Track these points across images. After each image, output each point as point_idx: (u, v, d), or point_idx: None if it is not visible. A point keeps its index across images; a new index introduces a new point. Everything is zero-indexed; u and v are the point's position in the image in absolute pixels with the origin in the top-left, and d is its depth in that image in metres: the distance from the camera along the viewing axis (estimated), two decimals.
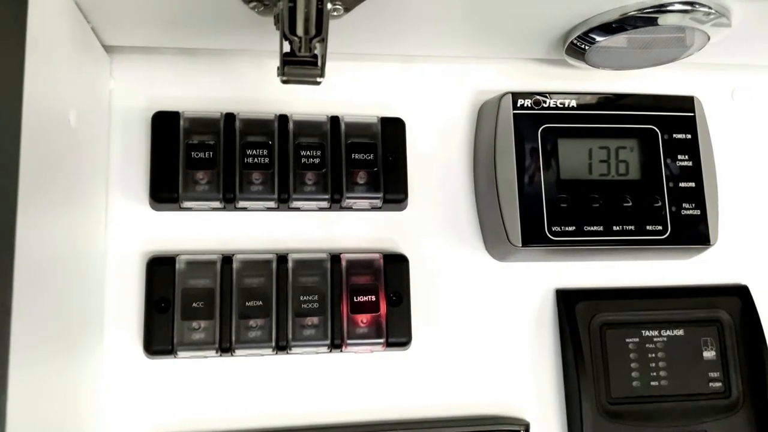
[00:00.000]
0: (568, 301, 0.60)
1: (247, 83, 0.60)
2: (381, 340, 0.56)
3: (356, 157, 0.57)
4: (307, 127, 0.57)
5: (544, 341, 0.60)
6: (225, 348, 0.53)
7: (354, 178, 0.57)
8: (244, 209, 0.57)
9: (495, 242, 0.60)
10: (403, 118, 0.60)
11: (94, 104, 0.54)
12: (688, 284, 0.63)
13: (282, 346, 0.54)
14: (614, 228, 0.58)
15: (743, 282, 0.63)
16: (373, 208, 0.59)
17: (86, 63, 0.52)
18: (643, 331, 0.60)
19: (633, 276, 0.62)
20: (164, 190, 0.55)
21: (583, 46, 0.55)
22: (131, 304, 0.55)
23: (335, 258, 0.56)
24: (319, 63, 0.44)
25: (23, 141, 0.38)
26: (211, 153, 0.55)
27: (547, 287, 0.61)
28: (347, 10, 0.46)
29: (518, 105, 0.59)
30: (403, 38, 0.56)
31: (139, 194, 0.56)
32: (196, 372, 0.55)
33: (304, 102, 0.59)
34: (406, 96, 0.62)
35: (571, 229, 0.57)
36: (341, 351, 0.55)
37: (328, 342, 0.55)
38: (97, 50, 0.55)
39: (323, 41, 0.42)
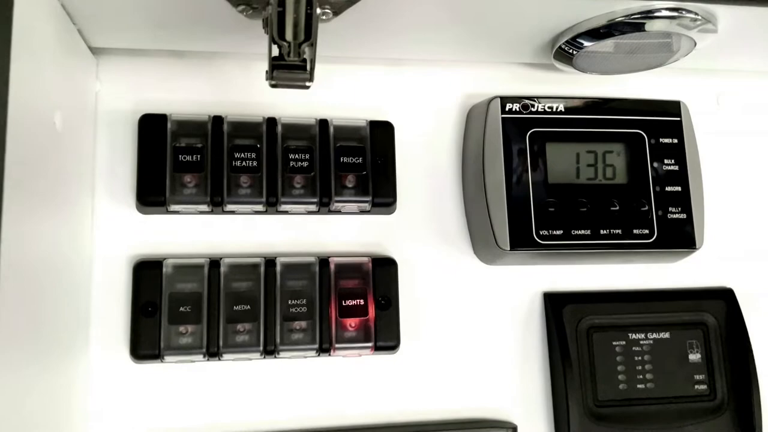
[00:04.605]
0: (555, 304, 0.60)
1: (235, 86, 0.59)
2: (369, 344, 0.56)
3: (345, 160, 0.57)
4: (295, 130, 0.57)
5: (531, 344, 0.61)
6: (212, 352, 0.53)
7: (342, 182, 0.57)
8: (232, 213, 0.57)
9: (483, 246, 0.60)
10: (392, 122, 0.60)
11: (80, 107, 0.53)
12: (674, 287, 0.63)
13: (270, 351, 0.54)
14: (601, 232, 0.58)
15: (728, 285, 0.64)
16: (362, 212, 0.59)
17: (72, 65, 0.52)
18: (630, 334, 0.61)
19: (620, 279, 0.63)
20: (151, 194, 0.54)
21: (570, 51, 0.55)
22: (118, 309, 0.54)
23: (324, 262, 0.56)
24: (308, 67, 0.44)
25: (8, 144, 0.38)
26: (198, 156, 0.55)
27: (534, 290, 0.62)
28: (336, 14, 0.46)
29: (506, 109, 0.59)
30: (392, 42, 0.56)
31: (126, 198, 0.56)
32: (184, 377, 0.55)
33: (293, 105, 0.59)
34: (395, 99, 0.62)
35: (558, 232, 0.57)
36: (329, 355, 0.55)
37: (316, 346, 0.55)
38: (83, 52, 0.54)
39: (312, 46, 0.42)
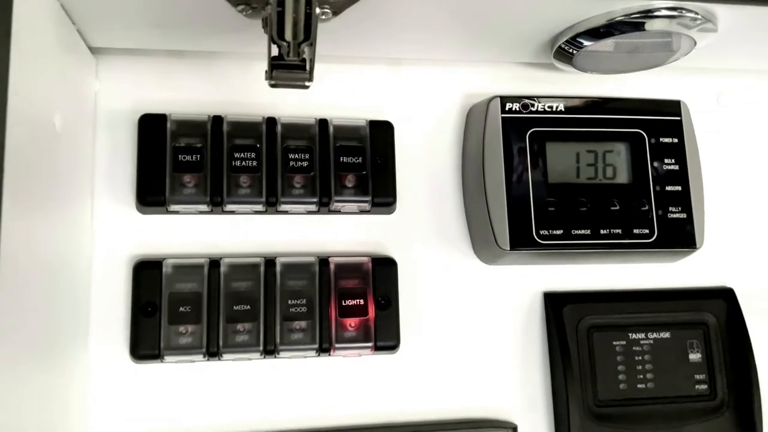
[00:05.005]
0: (555, 304, 0.60)
1: (235, 86, 0.59)
2: (369, 344, 0.56)
3: (345, 160, 0.57)
4: (295, 130, 0.57)
5: (531, 344, 0.61)
6: (212, 352, 0.53)
7: (342, 182, 0.57)
8: (232, 212, 0.57)
9: (483, 245, 0.60)
10: (392, 122, 0.60)
11: (79, 107, 0.53)
12: (674, 287, 0.63)
13: (270, 351, 0.54)
14: (601, 231, 0.58)
15: (729, 285, 0.64)
16: (362, 212, 0.59)
17: (71, 65, 0.52)
18: (630, 334, 0.61)
19: (620, 279, 0.63)
20: (151, 194, 0.54)
21: (570, 50, 0.55)
22: (117, 309, 0.54)
23: (323, 261, 0.56)
24: (308, 67, 0.44)
25: (8, 145, 0.38)
26: (198, 156, 0.55)
27: (534, 290, 0.61)
28: (336, 13, 0.46)
29: (506, 109, 0.59)
30: (392, 41, 0.56)
31: (126, 198, 0.56)
32: (184, 377, 0.55)
33: (292, 105, 0.59)
34: (395, 99, 0.62)
35: (558, 232, 0.57)
36: (329, 355, 0.55)
37: (316, 346, 0.55)
38: (83, 52, 0.54)
39: (312, 45, 0.42)
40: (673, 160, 0.61)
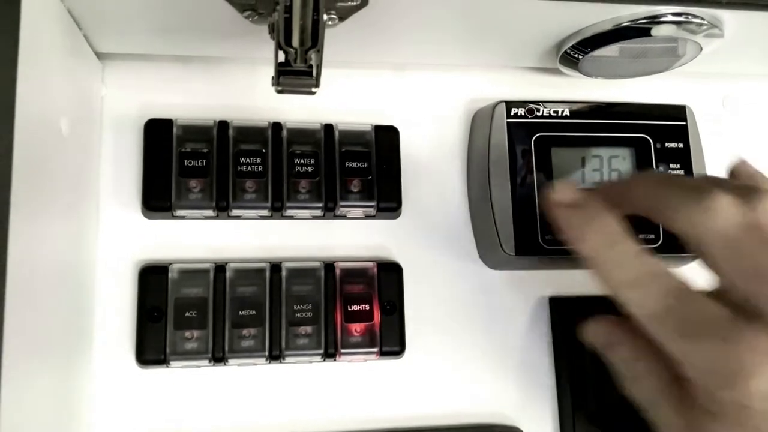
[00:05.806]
0: (561, 309, 0.60)
1: (241, 91, 0.59)
2: (375, 349, 0.56)
3: (350, 165, 0.57)
4: (300, 135, 0.57)
5: (537, 349, 0.60)
6: (218, 358, 0.53)
7: (348, 186, 0.57)
8: (238, 217, 0.57)
9: (488, 251, 0.60)
10: (397, 126, 0.60)
11: (85, 112, 0.54)
12: None
13: (275, 356, 0.54)
14: None
15: None
16: (367, 217, 0.59)
17: (78, 70, 0.52)
18: None
19: None
20: (157, 199, 0.54)
21: (576, 55, 0.55)
22: (123, 314, 0.54)
23: (329, 266, 0.56)
24: (315, 73, 0.44)
25: (16, 149, 0.38)
26: (204, 161, 0.55)
27: (540, 295, 0.61)
28: (342, 19, 0.46)
29: (512, 113, 0.59)
30: (397, 46, 0.56)
31: (131, 202, 0.56)
32: (189, 382, 0.55)
33: (298, 110, 0.59)
34: (400, 104, 0.62)
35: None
36: (335, 360, 0.55)
37: (321, 351, 0.55)
38: (89, 57, 0.54)
39: (319, 52, 0.42)
40: (678, 165, 0.60)
